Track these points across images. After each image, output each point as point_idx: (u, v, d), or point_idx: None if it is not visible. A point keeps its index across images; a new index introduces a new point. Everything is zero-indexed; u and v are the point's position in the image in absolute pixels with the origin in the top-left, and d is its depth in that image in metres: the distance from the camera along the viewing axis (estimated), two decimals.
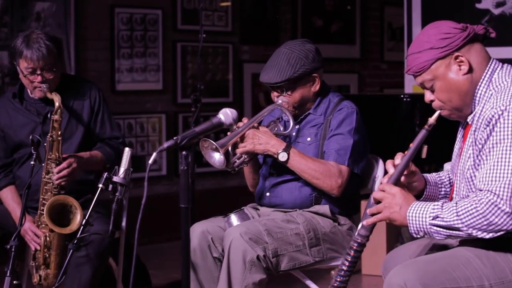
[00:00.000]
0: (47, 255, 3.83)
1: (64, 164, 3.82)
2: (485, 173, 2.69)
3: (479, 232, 2.67)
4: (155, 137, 7.01)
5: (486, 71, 2.85)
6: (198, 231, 3.66)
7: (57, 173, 3.80)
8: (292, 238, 3.59)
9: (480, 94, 2.85)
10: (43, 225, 3.83)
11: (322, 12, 8.33)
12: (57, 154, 3.81)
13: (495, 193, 2.65)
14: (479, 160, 2.77)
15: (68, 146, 3.96)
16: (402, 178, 2.95)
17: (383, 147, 5.13)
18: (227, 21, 7.45)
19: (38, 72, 3.87)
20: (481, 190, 2.69)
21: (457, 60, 2.83)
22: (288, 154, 3.63)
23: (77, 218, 3.70)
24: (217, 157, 3.57)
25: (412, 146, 2.92)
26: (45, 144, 3.85)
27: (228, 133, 3.68)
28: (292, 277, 3.89)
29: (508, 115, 2.69)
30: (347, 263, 2.93)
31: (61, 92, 3.93)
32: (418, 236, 2.78)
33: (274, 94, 3.79)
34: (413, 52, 2.89)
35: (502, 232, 2.66)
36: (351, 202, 3.82)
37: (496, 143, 2.70)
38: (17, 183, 4.06)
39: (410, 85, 6.37)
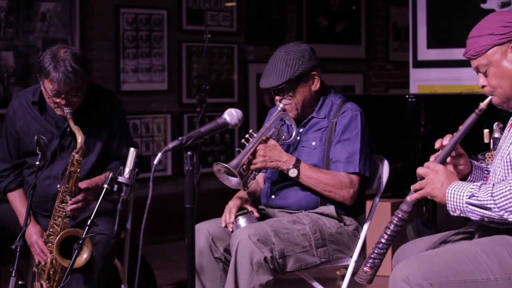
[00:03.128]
0: (52, 277, 3.83)
1: (79, 197, 3.81)
2: None
3: (511, 216, 2.68)
4: (160, 138, 7.01)
5: None
6: (202, 231, 3.66)
7: (71, 204, 3.80)
8: (298, 238, 3.59)
9: None
10: (50, 244, 3.83)
11: (327, 12, 8.32)
12: (73, 188, 3.80)
13: None
14: None
15: (84, 163, 3.91)
16: (449, 159, 2.96)
17: (388, 147, 5.13)
18: (232, 21, 7.45)
19: (63, 95, 3.81)
20: None
21: None
22: (298, 170, 3.63)
23: (84, 255, 3.67)
24: (234, 179, 3.61)
25: (461, 128, 2.94)
26: (59, 158, 3.87)
27: (239, 153, 3.67)
28: (298, 278, 3.89)
29: None
30: (386, 236, 2.94)
31: (83, 106, 3.91)
32: (455, 214, 2.79)
33: (276, 98, 3.78)
34: (473, 36, 2.92)
35: None
36: (357, 203, 3.81)
37: None
38: (26, 187, 4.03)
39: (415, 85, 6.36)
